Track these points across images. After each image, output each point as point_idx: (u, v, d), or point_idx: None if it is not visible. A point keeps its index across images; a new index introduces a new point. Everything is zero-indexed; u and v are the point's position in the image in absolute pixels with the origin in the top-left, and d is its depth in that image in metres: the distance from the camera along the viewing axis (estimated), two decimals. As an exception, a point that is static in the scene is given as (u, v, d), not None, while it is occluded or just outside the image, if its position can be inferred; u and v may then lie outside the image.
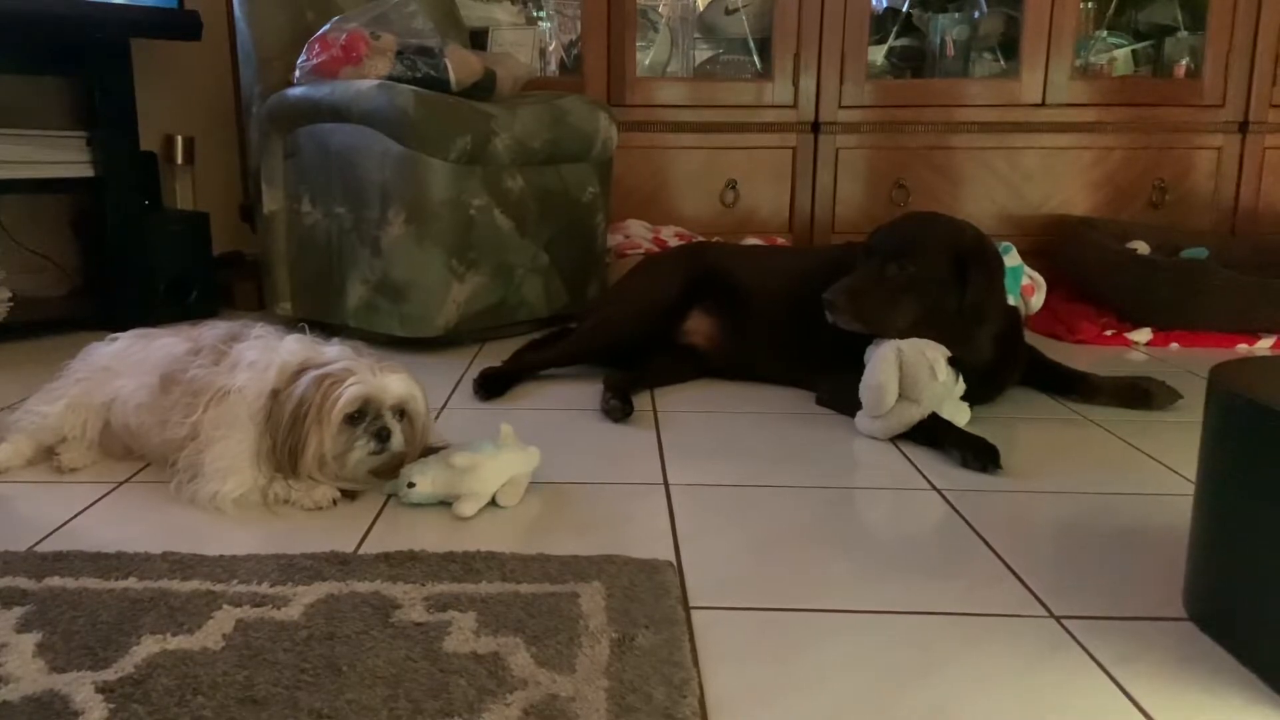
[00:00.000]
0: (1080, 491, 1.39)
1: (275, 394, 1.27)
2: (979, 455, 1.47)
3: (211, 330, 1.42)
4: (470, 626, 0.95)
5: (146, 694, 0.83)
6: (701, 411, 1.76)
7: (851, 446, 1.59)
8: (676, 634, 0.95)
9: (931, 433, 1.56)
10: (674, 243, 2.64)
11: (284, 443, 1.25)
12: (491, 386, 1.84)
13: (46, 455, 1.44)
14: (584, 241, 2.45)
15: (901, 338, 1.61)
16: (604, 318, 2.04)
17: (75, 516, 1.26)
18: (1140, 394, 1.80)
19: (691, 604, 1.03)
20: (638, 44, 2.94)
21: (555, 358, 2.00)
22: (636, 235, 2.72)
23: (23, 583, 1.03)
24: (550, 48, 3.16)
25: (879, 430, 1.60)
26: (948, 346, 1.61)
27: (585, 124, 2.38)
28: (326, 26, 2.27)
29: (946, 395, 1.60)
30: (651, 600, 1.01)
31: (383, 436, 1.29)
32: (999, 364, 1.77)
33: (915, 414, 1.57)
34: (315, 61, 2.22)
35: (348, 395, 1.25)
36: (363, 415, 1.28)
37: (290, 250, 2.33)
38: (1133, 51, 3.12)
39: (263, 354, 1.31)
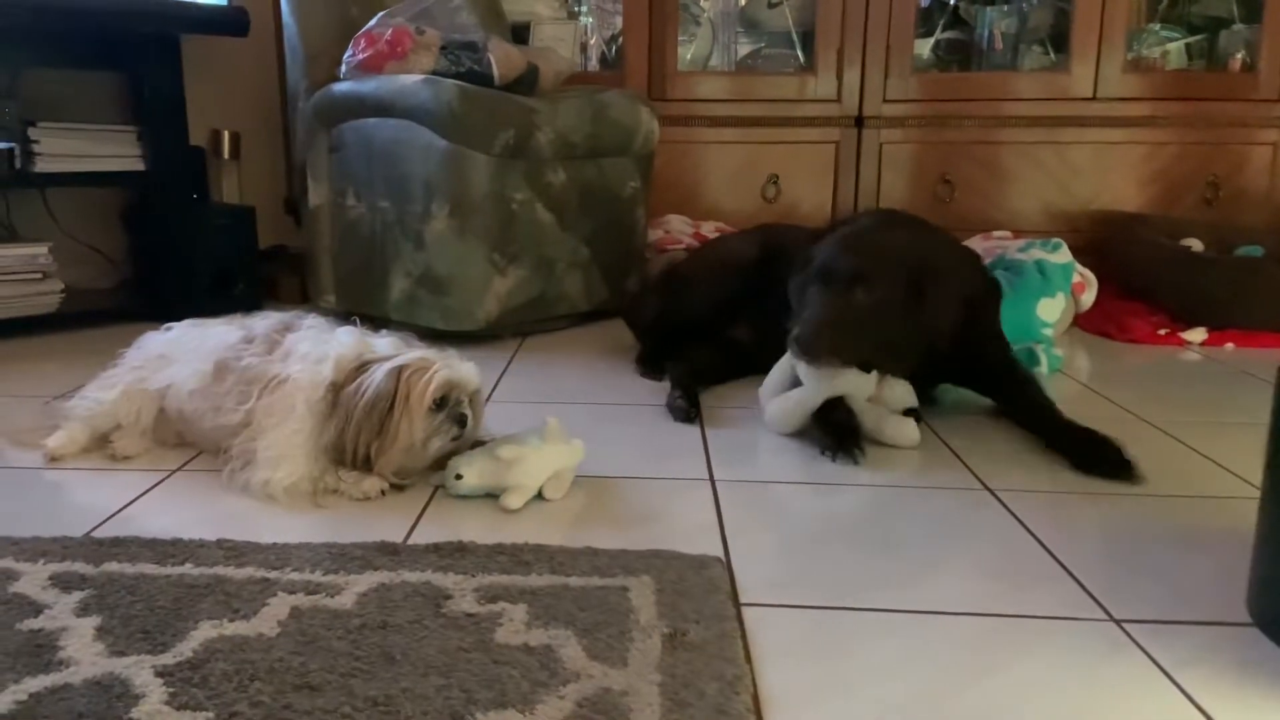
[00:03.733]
0: (1136, 493, 1.36)
1: (336, 387, 1.29)
2: (834, 446, 1.47)
3: (264, 320, 1.44)
4: (521, 618, 0.95)
5: (205, 678, 0.84)
6: (746, 407, 1.74)
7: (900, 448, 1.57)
8: (727, 630, 0.94)
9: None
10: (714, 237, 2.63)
11: (359, 435, 1.26)
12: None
13: (101, 443, 1.46)
14: (624, 236, 2.44)
15: (866, 366, 1.54)
16: (686, 278, 2.04)
17: (130, 503, 1.28)
18: (1093, 454, 1.47)
19: (741, 600, 1.03)
20: (679, 38, 2.93)
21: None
22: (677, 230, 2.71)
23: (81, 567, 1.05)
24: (591, 42, 3.16)
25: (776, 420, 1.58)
26: (903, 363, 1.56)
27: (626, 118, 2.38)
28: (372, 22, 2.28)
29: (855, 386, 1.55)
30: (701, 596, 1.01)
31: (462, 422, 1.32)
32: (953, 358, 1.62)
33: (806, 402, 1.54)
34: (361, 57, 2.23)
35: (438, 381, 1.28)
36: (444, 402, 1.30)
37: (334, 244, 2.35)
38: (1186, 44, 3.05)
39: (316, 345, 1.33)
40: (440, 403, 1.30)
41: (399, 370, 1.28)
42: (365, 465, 1.29)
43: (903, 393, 1.57)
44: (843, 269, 1.52)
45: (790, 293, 1.62)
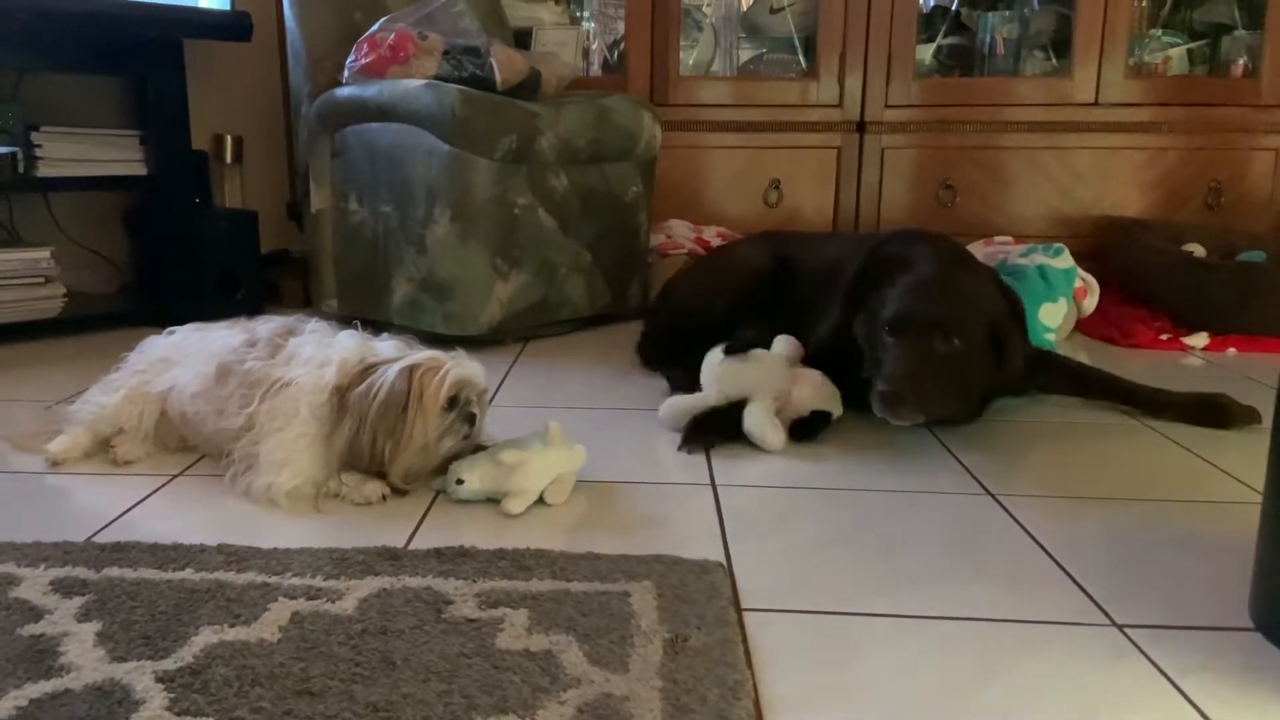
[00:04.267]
0: (1138, 498, 1.36)
1: (340, 390, 1.29)
2: (684, 438, 1.52)
3: (267, 324, 1.44)
4: (522, 623, 0.95)
5: (205, 684, 0.84)
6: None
7: (903, 449, 1.56)
8: (729, 635, 0.94)
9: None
10: (717, 243, 2.63)
11: (375, 436, 1.26)
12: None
13: (103, 447, 1.46)
14: (627, 241, 2.45)
15: (957, 416, 1.59)
16: (697, 290, 2.04)
17: (132, 508, 1.28)
18: (1210, 409, 1.68)
19: (743, 606, 1.02)
20: (681, 43, 2.93)
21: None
22: (679, 235, 2.71)
23: (82, 573, 1.05)
24: (593, 47, 3.17)
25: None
26: (972, 408, 1.60)
27: (629, 123, 2.38)
28: (375, 26, 2.29)
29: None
30: (703, 601, 1.01)
31: (472, 421, 1.33)
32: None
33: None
34: (363, 61, 2.24)
35: (451, 380, 1.28)
36: (454, 401, 1.30)
37: (336, 248, 2.35)
38: (1188, 50, 3.05)
39: (319, 349, 1.33)
40: (451, 402, 1.30)
41: (411, 369, 1.28)
42: (378, 467, 1.29)
43: (813, 398, 1.58)
44: (918, 319, 1.49)
45: (859, 337, 1.61)
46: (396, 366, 1.28)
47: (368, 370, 1.29)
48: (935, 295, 1.53)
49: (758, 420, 1.53)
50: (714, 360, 1.61)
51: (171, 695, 0.82)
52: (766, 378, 1.58)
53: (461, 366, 1.32)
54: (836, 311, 1.72)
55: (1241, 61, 2.93)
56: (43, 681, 0.84)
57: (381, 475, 1.30)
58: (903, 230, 1.86)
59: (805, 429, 1.56)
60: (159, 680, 0.84)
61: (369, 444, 1.27)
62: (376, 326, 1.58)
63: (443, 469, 1.32)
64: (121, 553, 1.10)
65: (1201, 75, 3.04)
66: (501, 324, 2.20)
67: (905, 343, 1.48)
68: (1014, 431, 1.65)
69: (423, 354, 1.33)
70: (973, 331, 1.50)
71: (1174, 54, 3.04)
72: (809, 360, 1.69)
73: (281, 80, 2.83)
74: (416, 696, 0.83)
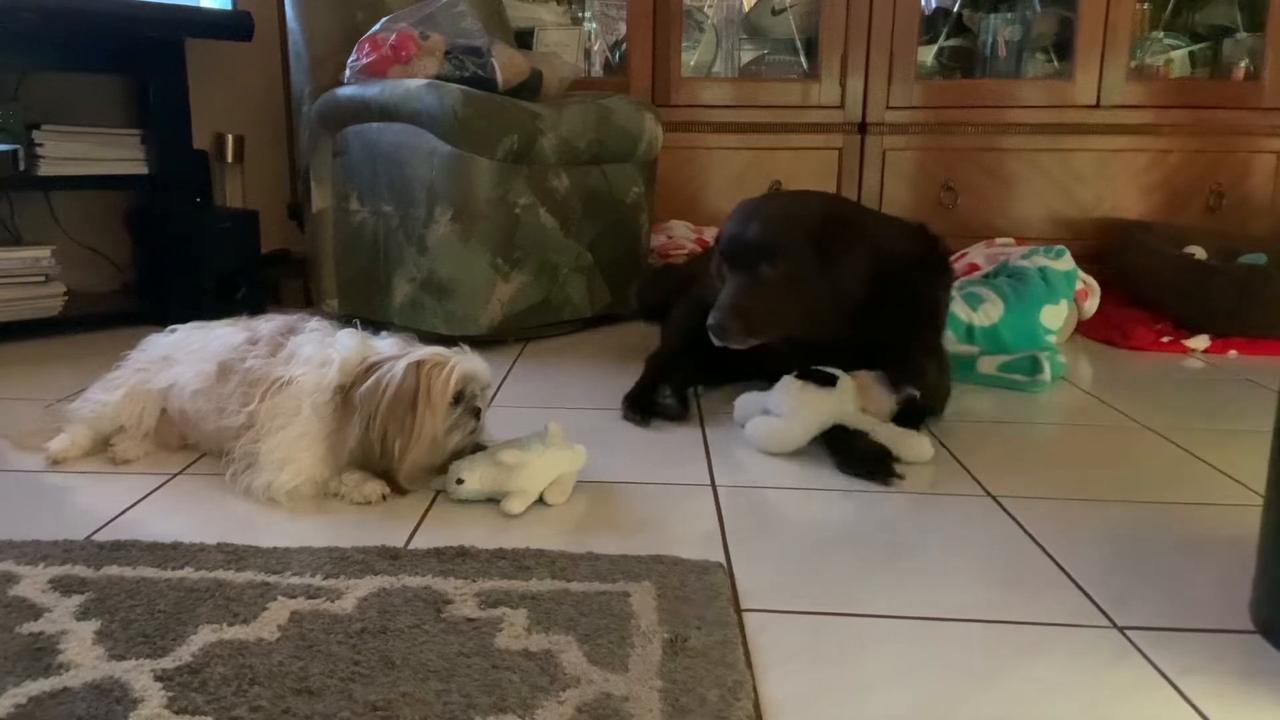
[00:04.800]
0: (1138, 500, 1.36)
1: (344, 390, 1.29)
2: (870, 475, 1.42)
3: (269, 322, 1.44)
4: (522, 623, 0.95)
5: (204, 683, 0.84)
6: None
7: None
8: (729, 636, 0.94)
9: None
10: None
11: (386, 432, 1.26)
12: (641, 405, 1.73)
13: (103, 446, 1.46)
14: (627, 241, 2.45)
15: (790, 338, 1.55)
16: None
17: (131, 507, 1.27)
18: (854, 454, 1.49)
19: (743, 606, 1.02)
20: (683, 44, 2.93)
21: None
22: (680, 236, 2.71)
23: (81, 571, 1.05)
24: (595, 48, 3.17)
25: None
26: (825, 329, 1.55)
27: (630, 124, 2.38)
28: (376, 26, 2.29)
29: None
30: (702, 601, 1.00)
31: (477, 415, 1.33)
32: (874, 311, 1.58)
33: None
34: (365, 61, 2.24)
35: (457, 374, 1.29)
36: (460, 397, 1.31)
37: (337, 248, 2.35)
38: (1190, 53, 3.05)
39: (319, 348, 1.33)
40: (457, 397, 1.31)
41: (418, 365, 1.28)
42: (388, 465, 1.29)
43: (882, 396, 1.55)
44: (744, 249, 1.53)
45: (713, 279, 1.63)
46: (404, 362, 1.28)
47: (371, 368, 1.29)
48: (755, 224, 1.54)
49: (892, 436, 1.49)
50: (794, 389, 1.53)
51: (170, 694, 0.82)
52: (843, 399, 1.52)
53: (466, 361, 1.32)
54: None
55: (1243, 64, 2.94)
56: (41, 679, 0.84)
57: (384, 474, 1.30)
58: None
59: (911, 420, 1.55)
60: (158, 678, 0.84)
61: (379, 440, 1.27)
62: (377, 326, 1.58)
63: (443, 469, 1.32)
64: (121, 551, 1.10)
65: (1203, 78, 3.04)
66: (502, 324, 2.20)
67: (732, 271, 1.54)
68: (1015, 433, 1.65)
69: (427, 349, 1.33)
70: (799, 255, 1.50)
71: (1176, 56, 3.04)
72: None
73: (283, 80, 2.83)
74: (415, 696, 0.82)
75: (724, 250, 1.57)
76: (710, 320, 1.50)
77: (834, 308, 1.54)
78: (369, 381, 1.27)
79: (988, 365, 1.97)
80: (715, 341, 1.52)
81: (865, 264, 1.52)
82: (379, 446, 1.27)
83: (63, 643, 0.90)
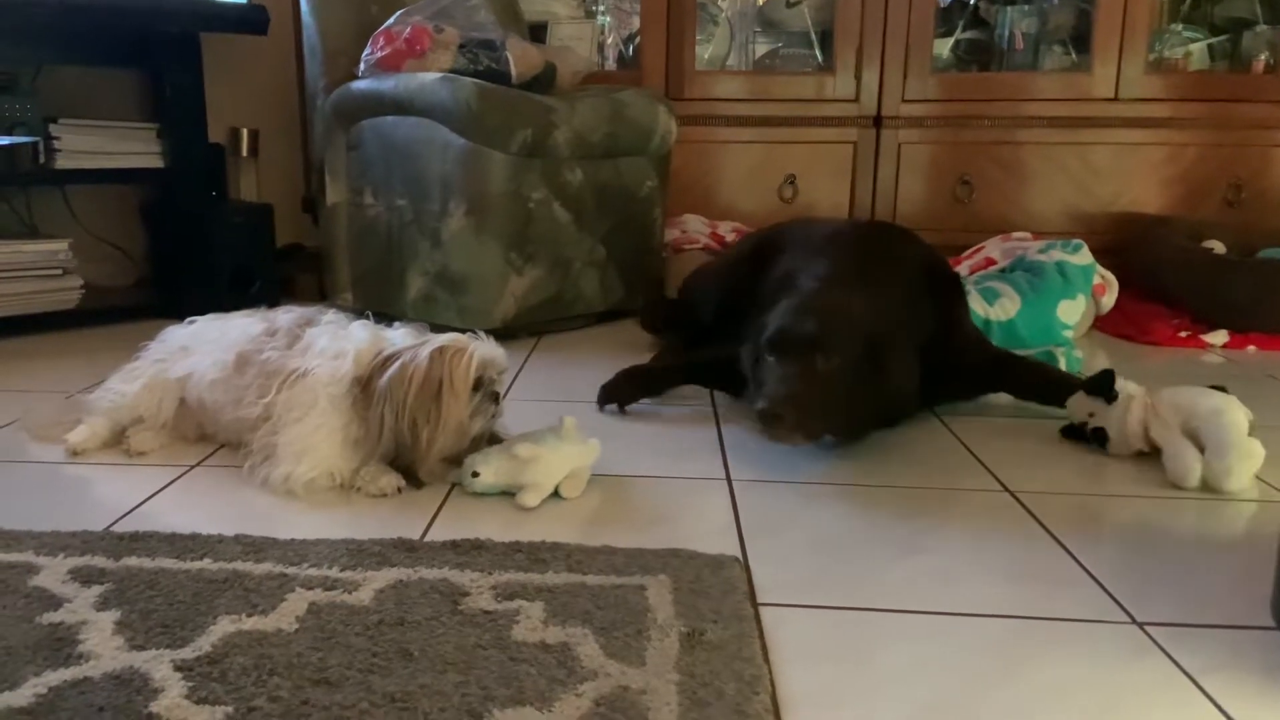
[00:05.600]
0: (1158, 496, 1.35)
1: (361, 382, 1.29)
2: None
3: (287, 314, 1.45)
4: (538, 616, 0.95)
5: (224, 673, 0.84)
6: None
7: (918, 445, 1.56)
8: (746, 630, 0.94)
9: None
10: (731, 238, 2.62)
11: (415, 420, 1.27)
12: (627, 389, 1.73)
13: (122, 437, 1.47)
14: (641, 235, 2.44)
15: (841, 434, 1.50)
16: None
17: (150, 498, 1.28)
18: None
19: (759, 601, 1.02)
20: (697, 37, 2.92)
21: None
22: (693, 230, 2.70)
23: (101, 562, 1.05)
24: (608, 41, 3.16)
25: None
26: (871, 416, 1.51)
27: (644, 117, 2.37)
28: (391, 20, 2.29)
29: None
30: (719, 595, 1.00)
31: (496, 399, 1.34)
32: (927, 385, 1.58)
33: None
34: (379, 55, 2.24)
35: (478, 359, 1.29)
36: (479, 383, 1.31)
37: (351, 242, 2.35)
38: (1209, 45, 3.02)
39: (333, 340, 1.33)
40: (476, 383, 1.31)
41: (440, 352, 1.28)
42: (414, 455, 1.29)
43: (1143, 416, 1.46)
44: (796, 338, 1.43)
45: (743, 364, 1.55)
46: (426, 349, 1.28)
47: (389, 360, 1.29)
48: (811, 312, 1.46)
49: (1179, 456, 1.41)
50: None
51: (190, 684, 0.83)
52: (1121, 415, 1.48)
53: (484, 347, 1.33)
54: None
55: (1263, 57, 2.90)
56: (62, 669, 0.85)
57: (407, 466, 1.30)
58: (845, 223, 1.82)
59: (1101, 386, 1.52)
60: (177, 669, 0.85)
61: (410, 428, 1.27)
62: (391, 320, 1.58)
63: (459, 461, 1.32)
64: (140, 542, 1.10)
65: (1222, 71, 3.01)
66: (515, 318, 2.20)
67: (783, 361, 1.43)
68: (1033, 429, 1.64)
69: (444, 336, 1.33)
70: (848, 348, 1.43)
71: (1194, 49, 3.01)
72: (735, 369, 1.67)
73: (297, 74, 2.84)
74: (433, 687, 0.83)
75: (772, 341, 1.46)
76: (760, 406, 1.38)
77: (884, 406, 1.51)
78: (392, 371, 1.27)
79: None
80: (767, 434, 1.40)
81: (914, 369, 1.51)
82: (409, 435, 1.27)
83: (83, 633, 0.91)
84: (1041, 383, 1.70)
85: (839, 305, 1.50)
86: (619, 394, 1.69)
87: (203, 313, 1.57)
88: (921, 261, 1.71)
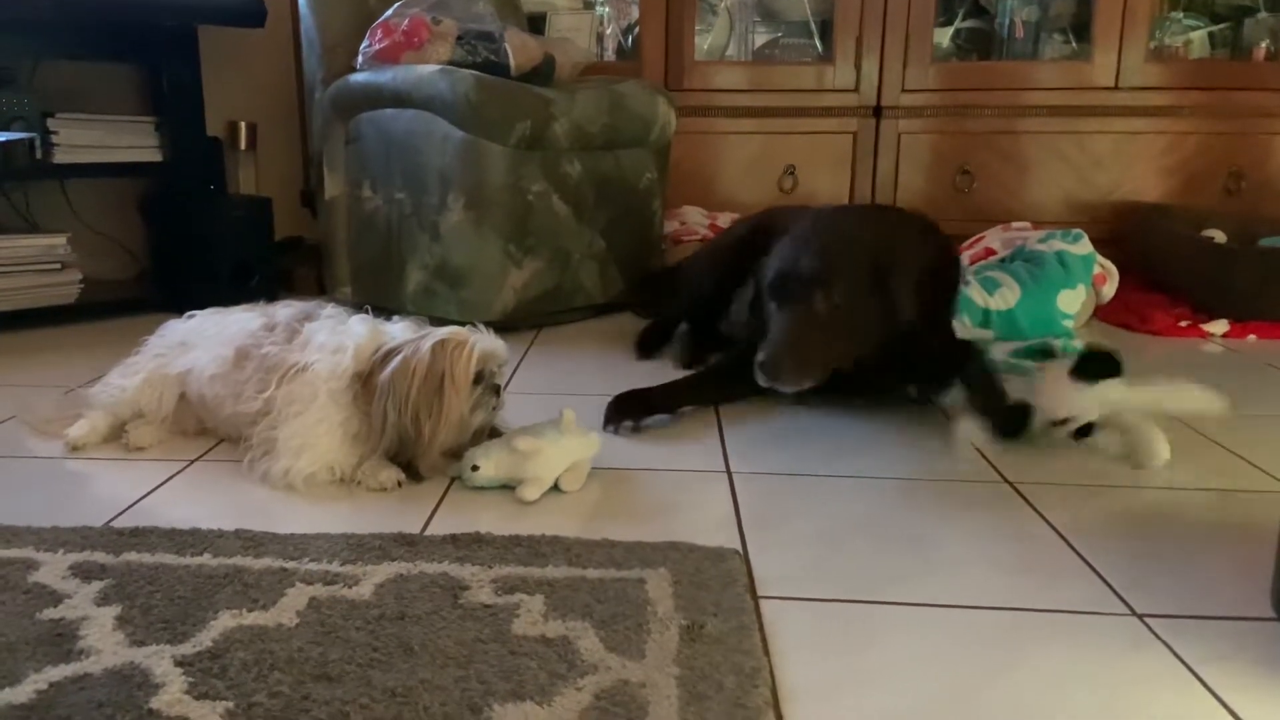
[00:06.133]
0: (1158, 486, 1.35)
1: (362, 377, 1.29)
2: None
3: (286, 308, 1.45)
4: (539, 609, 0.95)
5: (224, 668, 0.84)
6: (761, 400, 1.73)
7: (917, 436, 1.55)
8: (745, 622, 0.94)
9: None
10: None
11: (418, 414, 1.26)
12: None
13: (122, 431, 1.47)
14: (640, 227, 2.44)
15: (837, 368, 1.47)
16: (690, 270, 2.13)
17: (150, 493, 1.28)
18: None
19: (759, 593, 1.02)
20: (696, 28, 2.91)
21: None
22: (693, 221, 2.70)
23: (101, 557, 1.05)
24: (607, 32, 3.15)
25: None
26: (866, 355, 1.48)
27: (643, 109, 2.36)
28: (389, 12, 2.28)
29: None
30: (719, 588, 1.00)
31: (497, 392, 1.34)
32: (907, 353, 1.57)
33: None
34: (377, 47, 2.23)
35: (479, 352, 1.29)
36: (480, 376, 1.31)
37: (350, 235, 2.35)
38: (1210, 33, 3.01)
39: (332, 335, 1.33)
40: (477, 376, 1.31)
41: (440, 344, 1.28)
42: (417, 449, 1.29)
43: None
44: (797, 278, 1.41)
45: (751, 310, 1.54)
46: (428, 343, 1.28)
47: (389, 354, 1.29)
48: (810, 251, 1.45)
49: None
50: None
51: (190, 679, 0.83)
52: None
53: (484, 340, 1.33)
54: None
55: (1264, 45, 2.90)
56: (63, 665, 0.85)
57: (408, 461, 1.30)
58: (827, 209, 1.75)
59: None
60: (178, 664, 0.85)
61: (413, 423, 1.27)
62: (390, 314, 1.58)
63: (459, 455, 1.32)
64: (140, 538, 1.10)
65: (1223, 59, 3.00)
66: (515, 311, 2.20)
67: (785, 307, 1.41)
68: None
69: (444, 330, 1.33)
70: (857, 285, 1.41)
71: (1195, 37, 3.00)
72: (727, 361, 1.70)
73: (295, 67, 2.83)
74: (434, 682, 0.83)
75: (772, 285, 1.45)
76: (760, 358, 1.38)
77: (884, 335, 1.46)
78: (394, 365, 1.27)
79: (1000, 352, 1.96)
80: (762, 382, 1.41)
81: (917, 286, 1.46)
82: (414, 429, 1.27)
83: (83, 629, 0.91)
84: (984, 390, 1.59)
85: (840, 240, 1.47)
86: (627, 413, 1.56)
87: (202, 307, 1.57)
88: (922, 218, 1.69)
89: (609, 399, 1.60)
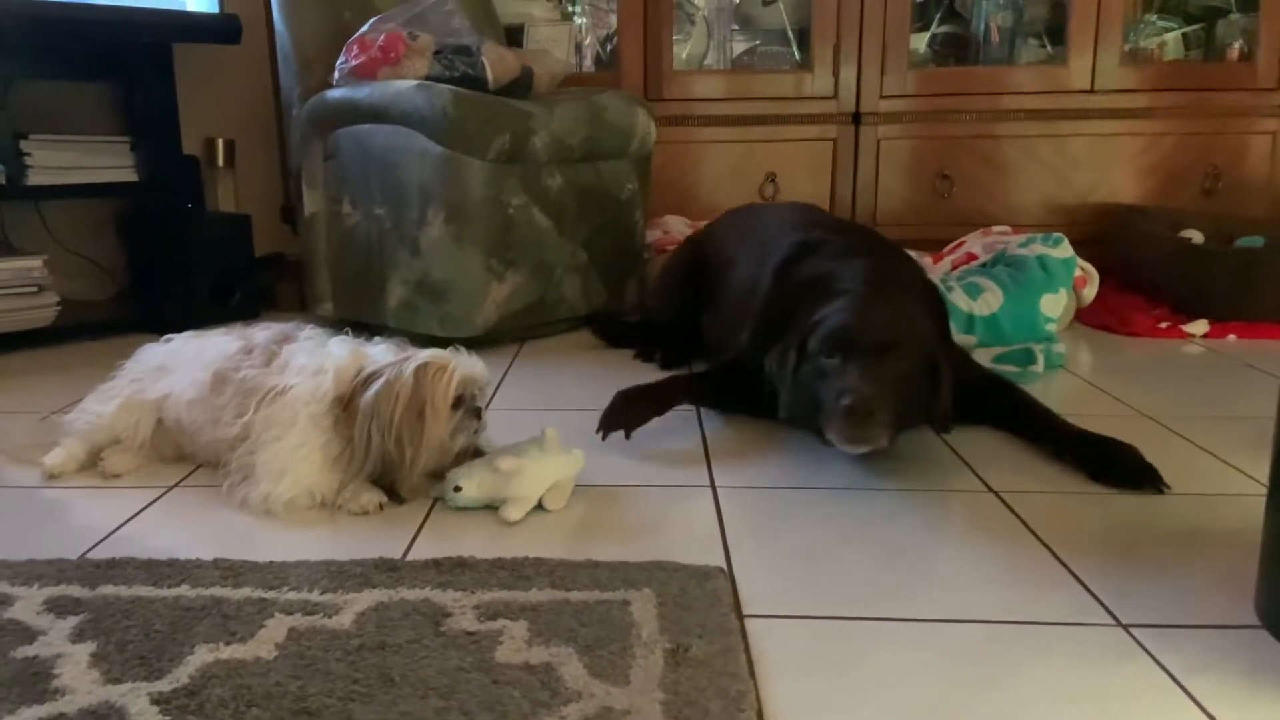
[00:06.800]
0: (1141, 494, 1.35)
1: (343, 401, 1.28)
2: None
3: (264, 331, 1.43)
4: (522, 636, 0.94)
5: (201, 705, 0.83)
6: (745, 411, 1.73)
7: (903, 448, 1.55)
8: (731, 644, 0.93)
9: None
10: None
11: (400, 438, 1.25)
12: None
13: (99, 458, 1.45)
14: (623, 238, 2.43)
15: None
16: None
17: (127, 522, 1.26)
18: (1112, 463, 1.40)
19: (745, 612, 1.01)
20: (674, 37, 2.91)
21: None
22: (675, 231, 2.69)
23: (76, 591, 1.04)
24: (586, 42, 3.15)
25: None
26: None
27: (623, 120, 2.36)
28: (365, 27, 2.27)
29: None
30: (704, 609, 1.00)
31: (478, 415, 1.33)
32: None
33: None
34: (354, 63, 2.22)
35: (459, 377, 1.28)
36: (460, 399, 1.30)
37: (331, 251, 2.34)
38: (1183, 35, 3.03)
39: (312, 357, 1.32)
40: (457, 400, 1.30)
41: (423, 369, 1.28)
42: (398, 473, 1.28)
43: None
44: (866, 339, 1.37)
45: (769, 370, 1.50)
46: (410, 367, 1.27)
47: (370, 378, 1.28)
48: (879, 313, 1.43)
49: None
50: None
51: (167, 718, 0.81)
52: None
53: (465, 364, 1.32)
54: (747, 334, 1.66)
55: (1237, 45, 2.92)
56: (37, 705, 0.83)
57: (389, 484, 1.29)
58: (809, 240, 1.71)
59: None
60: (154, 702, 0.83)
61: (396, 447, 1.26)
62: (372, 330, 1.57)
63: (441, 476, 1.31)
64: (116, 569, 1.09)
65: (1197, 60, 3.02)
66: (498, 325, 2.19)
67: (858, 361, 1.36)
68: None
69: (425, 353, 1.32)
70: (915, 359, 1.39)
71: (1169, 39, 3.02)
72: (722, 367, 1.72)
73: (272, 82, 2.81)
74: (415, 714, 0.82)
75: (843, 339, 1.39)
76: (845, 403, 1.31)
77: (933, 399, 1.43)
78: (377, 388, 1.26)
79: (983, 357, 1.96)
80: (836, 441, 1.34)
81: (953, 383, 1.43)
82: (397, 454, 1.26)
83: (58, 666, 0.89)
84: (1027, 417, 1.57)
85: (901, 310, 1.47)
86: (624, 419, 1.53)
87: (183, 325, 1.56)
88: (910, 264, 1.71)
89: (595, 413, 1.59)
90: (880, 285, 1.53)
